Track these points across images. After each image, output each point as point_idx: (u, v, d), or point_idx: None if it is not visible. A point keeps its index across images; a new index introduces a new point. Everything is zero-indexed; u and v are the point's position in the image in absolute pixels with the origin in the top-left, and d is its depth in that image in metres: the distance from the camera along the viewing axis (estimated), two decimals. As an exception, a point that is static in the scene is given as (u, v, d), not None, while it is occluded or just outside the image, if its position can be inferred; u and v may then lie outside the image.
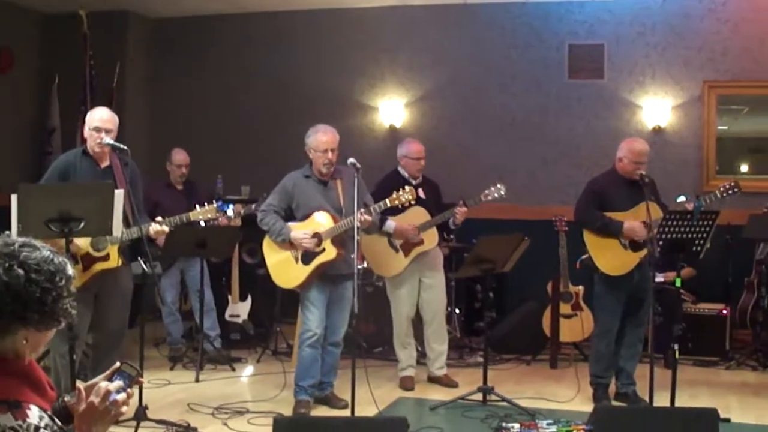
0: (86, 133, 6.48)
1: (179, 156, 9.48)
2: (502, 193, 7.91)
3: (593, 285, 7.61)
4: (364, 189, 7.18)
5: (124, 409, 2.77)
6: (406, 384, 8.09)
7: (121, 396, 2.76)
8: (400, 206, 7.26)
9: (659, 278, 8.38)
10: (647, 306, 7.30)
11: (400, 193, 7.09)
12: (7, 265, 2.50)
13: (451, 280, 9.18)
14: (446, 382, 8.19)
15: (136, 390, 2.94)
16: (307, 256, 7.09)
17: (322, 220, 7.09)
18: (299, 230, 7.08)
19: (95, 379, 2.83)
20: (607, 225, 7.29)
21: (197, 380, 8.21)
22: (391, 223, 7.94)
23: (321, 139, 7.13)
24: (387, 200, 7.11)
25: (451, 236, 9.05)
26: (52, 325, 2.60)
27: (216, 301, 9.37)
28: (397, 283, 8.18)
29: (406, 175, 8.19)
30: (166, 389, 7.89)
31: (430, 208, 8.08)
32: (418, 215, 7.99)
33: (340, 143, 7.25)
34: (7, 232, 2.65)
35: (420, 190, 8.07)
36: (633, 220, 7.20)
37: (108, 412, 2.73)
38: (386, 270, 8.22)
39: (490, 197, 7.95)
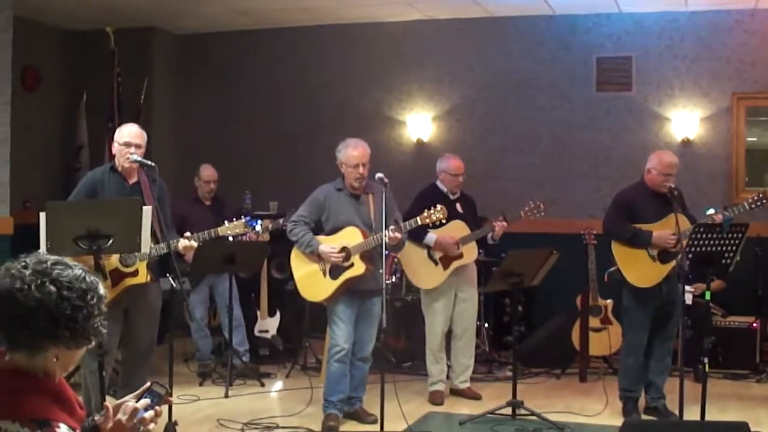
0: (115, 148, 6.50)
1: (207, 172, 9.52)
2: (542, 213, 8.08)
3: (622, 299, 7.57)
4: (393, 204, 7.18)
5: (151, 426, 2.79)
6: (436, 398, 8.06)
7: (149, 414, 2.78)
8: (430, 224, 7.19)
9: (688, 297, 8.32)
10: (676, 319, 7.27)
11: (431, 211, 7.02)
12: (39, 282, 2.53)
13: (479, 294, 9.15)
14: (470, 395, 8.19)
15: (165, 406, 2.95)
16: (335, 271, 7.07)
17: (351, 235, 7.08)
18: (328, 244, 7.09)
19: (124, 398, 2.84)
20: (636, 236, 7.26)
21: (227, 396, 8.22)
22: (432, 236, 7.93)
23: (352, 153, 7.12)
24: (418, 218, 7.05)
25: (481, 251, 9.00)
26: (83, 343, 2.62)
27: (245, 316, 9.38)
28: (434, 296, 8.16)
29: (444, 189, 8.20)
30: (196, 405, 7.91)
31: (468, 223, 8.08)
32: (458, 229, 7.99)
33: (367, 157, 7.26)
34: (40, 251, 2.67)
35: (457, 205, 8.11)
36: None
37: (135, 430, 2.75)
38: (424, 282, 8.20)
39: (531, 215, 8.02)
